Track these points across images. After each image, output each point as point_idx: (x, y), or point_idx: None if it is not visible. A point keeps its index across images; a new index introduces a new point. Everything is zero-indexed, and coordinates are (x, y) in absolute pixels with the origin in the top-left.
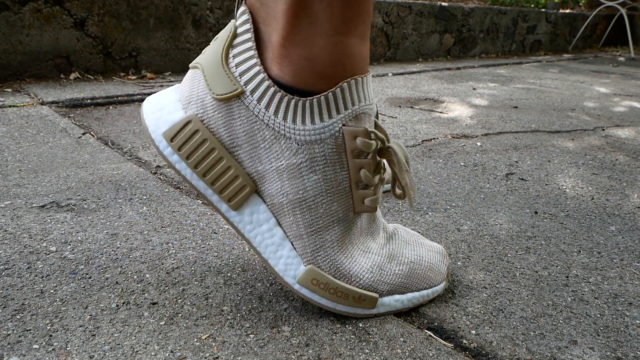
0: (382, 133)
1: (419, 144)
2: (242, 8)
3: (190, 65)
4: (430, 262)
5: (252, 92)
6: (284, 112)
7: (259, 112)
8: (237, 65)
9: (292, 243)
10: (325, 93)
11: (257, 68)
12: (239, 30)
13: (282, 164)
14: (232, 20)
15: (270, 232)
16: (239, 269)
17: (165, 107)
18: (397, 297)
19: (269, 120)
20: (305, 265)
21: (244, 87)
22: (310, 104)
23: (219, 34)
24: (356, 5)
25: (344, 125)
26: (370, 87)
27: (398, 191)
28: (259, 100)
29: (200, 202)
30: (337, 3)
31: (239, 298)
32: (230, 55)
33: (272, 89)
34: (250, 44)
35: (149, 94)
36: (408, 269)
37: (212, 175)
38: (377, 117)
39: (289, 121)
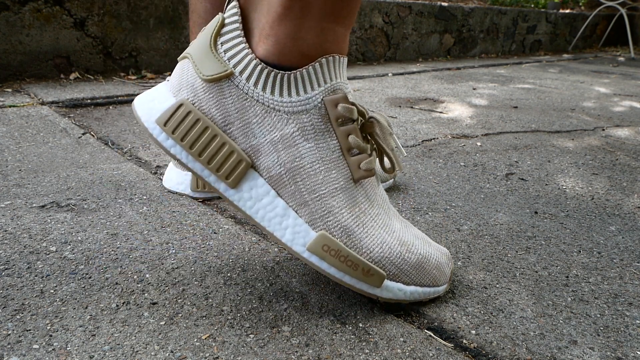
0: (362, 108)
1: (419, 144)
2: (233, 2)
3: (178, 58)
4: (438, 261)
5: (241, 72)
6: (271, 87)
7: (248, 90)
8: (225, 51)
9: (296, 212)
10: (307, 67)
11: (245, 50)
12: (227, 20)
13: (276, 135)
14: (219, 13)
15: (271, 204)
16: (239, 269)
17: (155, 98)
18: (401, 285)
19: (258, 97)
20: (316, 232)
21: (232, 68)
22: (294, 77)
23: (206, 26)
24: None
25: (324, 97)
26: (345, 70)
27: (387, 164)
28: (248, 78)
29: (200, 202)
30: None
31: (239, 298)
32: (219, 42)
33: (259, 67)
34: (238, 31)
35: None
36: (416, 260)
37: (207, 154)
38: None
39: (276, 94)
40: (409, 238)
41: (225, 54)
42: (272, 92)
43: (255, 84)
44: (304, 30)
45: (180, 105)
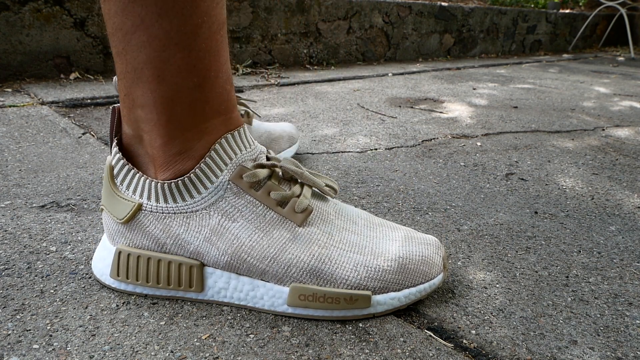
0: (265, 162)
1: (419, 144)
2: (114, 144)
3: (99, 211)
4: (423, 255)
5: (149, 198)
6: (180, 195)
7: (162, 209)
8: (127, 187)
9: (262, 280)
10: (203, 161)
11: (142, 179)
12: (115, 163)
13: (207, 232)
14: (107, 158)
15: (239, 285)
16: None
17: (103, 256)
18: (392, 294)
19: (174, 209)
20: (287, 287)
21: (139, 199)
22: (195, 175)
23: (103, 177)
24: (215, 97)
25: (230, 178)
26: (241, 135)
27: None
28: (157, 200)
29: None
30: (191, 105)
31: None
32: (117, 183)
33: (164, 185)
34: (128, 167)
35: None
36: (397, 265)
37: (162, 277)
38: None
39: (188, 199)
40: (382, 246)
41: (128, 190)
42: (184, 199)
43: (165, 200)
44: (187, 143)
45: (119, 253)
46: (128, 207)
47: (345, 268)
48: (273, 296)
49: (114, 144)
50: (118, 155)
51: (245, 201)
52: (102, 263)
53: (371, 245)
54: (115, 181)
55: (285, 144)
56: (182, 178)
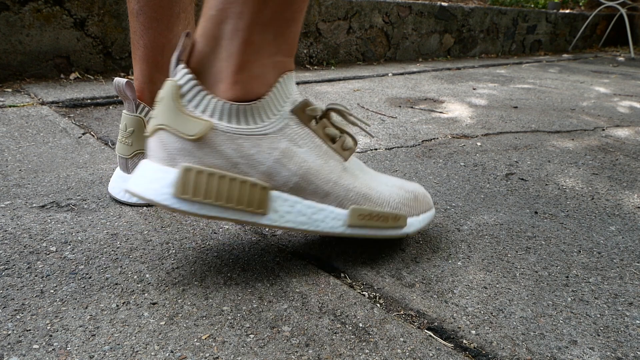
0: (318, 105)
1: (419, 144)
2: (181, 66)
3: (146, 134)
4: (422, 192)
5: (220, 119)
6: (253, 118)
7: (235, 130)
8: (195, 107)
9: (324, 204)
10: (271, 90)
11: (214, 100)
12: (183, 82)
13: (277, 154)
14: (168, 80)
15: (303, 209)
16: (239, 269)
17: (153, 178)
18: (415, 218)
19: (246, 131)
20: (347, 209)
21: (210, 119)
22: (265, 102)
23: (158, 97)
24: (290, 38)
25: (292, 109)
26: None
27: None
28: (229, 121)
29: None
30: (275, 36)
31: (239, 298)
32: (184, 104)
33: (234, 107)
34: (199, 87)
35: None
36: (413, 195)
37: (234, 197)
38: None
39: (259, 122)
40: (397, 182)
41: (196, 110)
42: (255, 122)
43: (238, 122)
44: (262, 69)
45: (187, 170)
46: (199, 125)
47: (384, 193)
48: (334, 218)
49: (182, 65)
50: (189, 75)
51: (305, 132)
52: (154, 185)
53: (391, 181)
54: (181, 102)
55: None
56: (254, 102)
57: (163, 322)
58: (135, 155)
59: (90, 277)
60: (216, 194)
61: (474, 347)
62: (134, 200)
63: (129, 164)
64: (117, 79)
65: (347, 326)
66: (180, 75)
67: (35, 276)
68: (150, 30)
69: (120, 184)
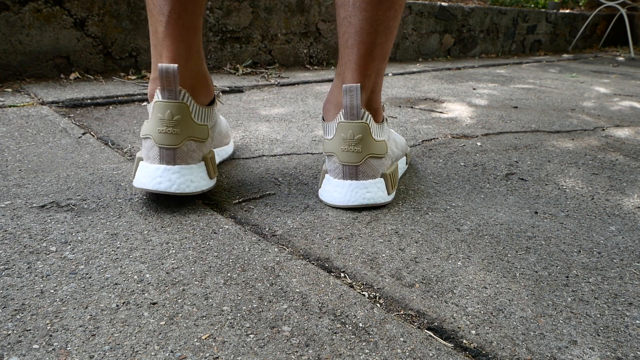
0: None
1: (419, 144)
2: (363, 110)
3: (358, 163)
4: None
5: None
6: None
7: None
8: (378, 135)
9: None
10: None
11: (385, 127)
12: (368, 121)
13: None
14: (361, 123)
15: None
16: (239, 269)
17: (371, 186)
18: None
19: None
20: (380, 177)
21: (385, 139)
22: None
23: (356, 137)
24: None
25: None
26: None
27: None
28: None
29: (201, 202)
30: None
31: (239, 298)
32: (373, 136)
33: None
34: (374, 122)
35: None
36: (403, 143)
37: (395, 182)
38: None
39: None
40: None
41: (379, 137)
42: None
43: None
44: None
45: (385, 176)
46: (385, 145)
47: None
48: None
49: (363, 110)
50: (369, 115)
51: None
52: (373, 195)
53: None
54: (371, 133)
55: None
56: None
57: (163, 322)
58: (183, 143)
59: (90, 277)
60: (395, 184)
61: (474, 347)
62: (173, 189)
63: (176, 154)
64: (164, 65)
65: (347, 326)
66: (365, 117)
67: (35, 276)
68: (188, 12)
69: (162, 175)
